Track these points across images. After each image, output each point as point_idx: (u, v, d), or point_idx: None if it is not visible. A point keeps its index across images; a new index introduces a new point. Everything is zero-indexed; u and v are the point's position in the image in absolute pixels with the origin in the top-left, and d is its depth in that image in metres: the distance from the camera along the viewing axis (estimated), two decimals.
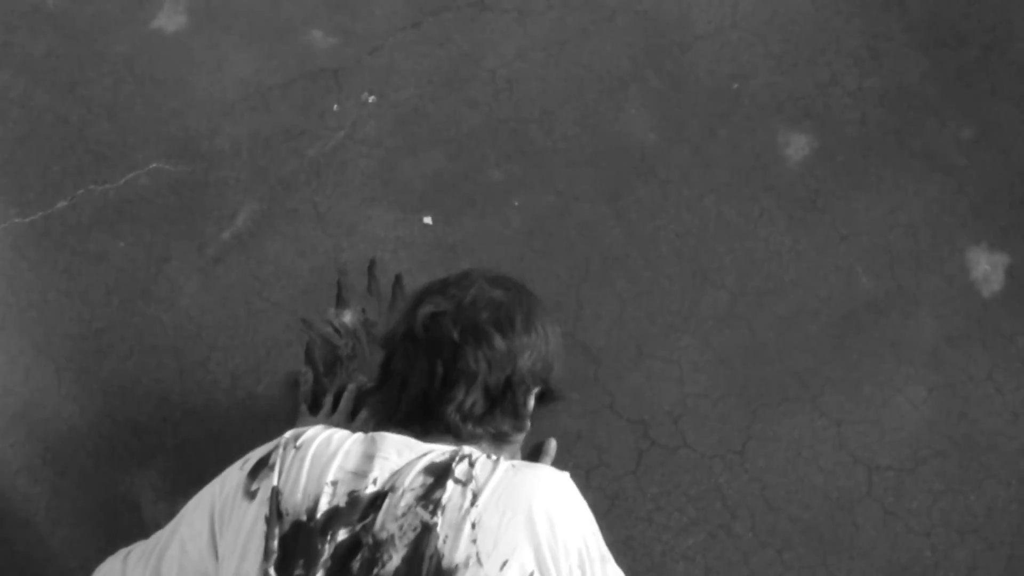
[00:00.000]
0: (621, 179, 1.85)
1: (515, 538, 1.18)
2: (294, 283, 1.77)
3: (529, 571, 1.16)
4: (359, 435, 1.28)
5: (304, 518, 1.20)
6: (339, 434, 1.27)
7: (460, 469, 1.21)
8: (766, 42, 1.95)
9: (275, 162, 1.85)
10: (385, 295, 1.76)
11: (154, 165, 1.85)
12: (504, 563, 1.16)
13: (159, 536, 1.34)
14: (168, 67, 1.92)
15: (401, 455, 1.24)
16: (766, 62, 1.93)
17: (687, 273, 1.79)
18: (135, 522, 1.62)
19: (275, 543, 1.19)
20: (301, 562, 1.18)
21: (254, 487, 1.24)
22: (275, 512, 1.21)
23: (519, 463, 1.25)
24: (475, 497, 1.19)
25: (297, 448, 1.25)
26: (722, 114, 1.90)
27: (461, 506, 1.18)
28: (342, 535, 1.19)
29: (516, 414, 1.33)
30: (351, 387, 1.63)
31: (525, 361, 1.31)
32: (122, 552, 1.39)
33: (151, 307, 1.76)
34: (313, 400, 1.65)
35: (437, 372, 1.29)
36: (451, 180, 1.85)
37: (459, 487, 1.19)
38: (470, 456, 1.23)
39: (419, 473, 1.21)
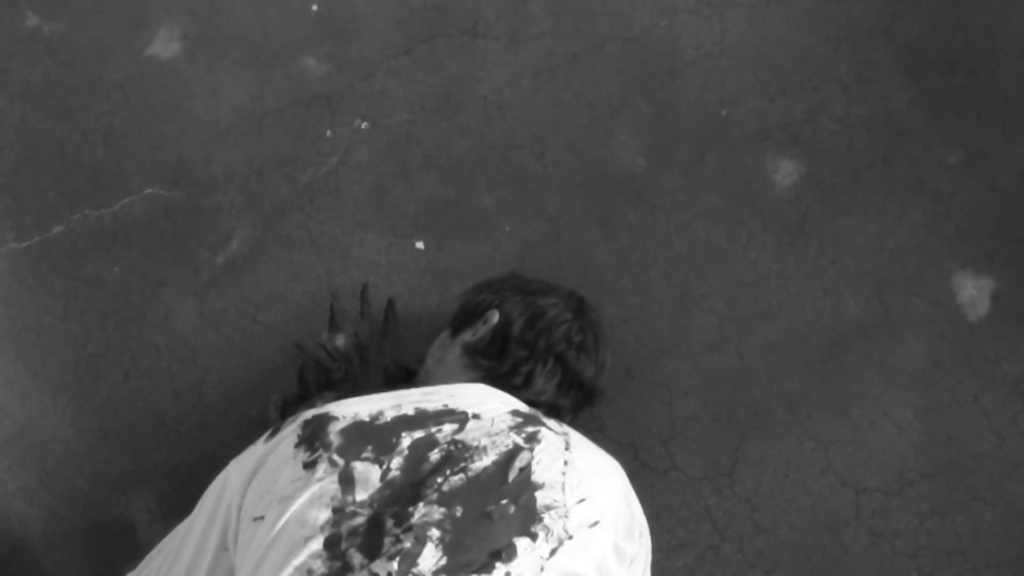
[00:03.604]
0: (611, 204, 1.91)
1: (596, 488, 1.31)
2: (287, 307, 1.83)
3: (596, 519, 1.28)
4: (415, 388, 1.41)
5: (367, 419, 1.28)
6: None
7: (551, 422, 1.36)
8: (754, 69, 2.01)
9: (269, 188, 1.90)
10: (377, 319, 1.82)
11: (149, 191, 1.89)
12: (581, 500, 1.28)
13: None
14: (163, 94, 1.97)
15: (482, 395, 1.38)
16: (754, 89, 1.99)
17: (676, 297, 1.85)
18: (130, 544, 1.67)
19: (332, 436, 1.26)
20: (369, 447, 1.24)
21: (282, 426, 1.33)
22: (327, 418, 1.29)
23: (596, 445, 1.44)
24: (568, 445, 1.32)
25: (337, 399, 1.37)
26: (711, 140, 1.96)
27: (556, 446, 1.31)
28: (419, 434, 1.27)
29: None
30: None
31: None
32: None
33: (146, 331, 1.81)
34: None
35: (555, 380, 1.54)
36: (443, 205, 1.91)
37: (553, 433, 1.33)
38: (556, 419, 1.40)
39: (506, 412, 1.34)
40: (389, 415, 1.30)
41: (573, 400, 1.58)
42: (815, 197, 1.92)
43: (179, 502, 1.68)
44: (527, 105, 1.98)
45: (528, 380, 1.51)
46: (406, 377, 1.65)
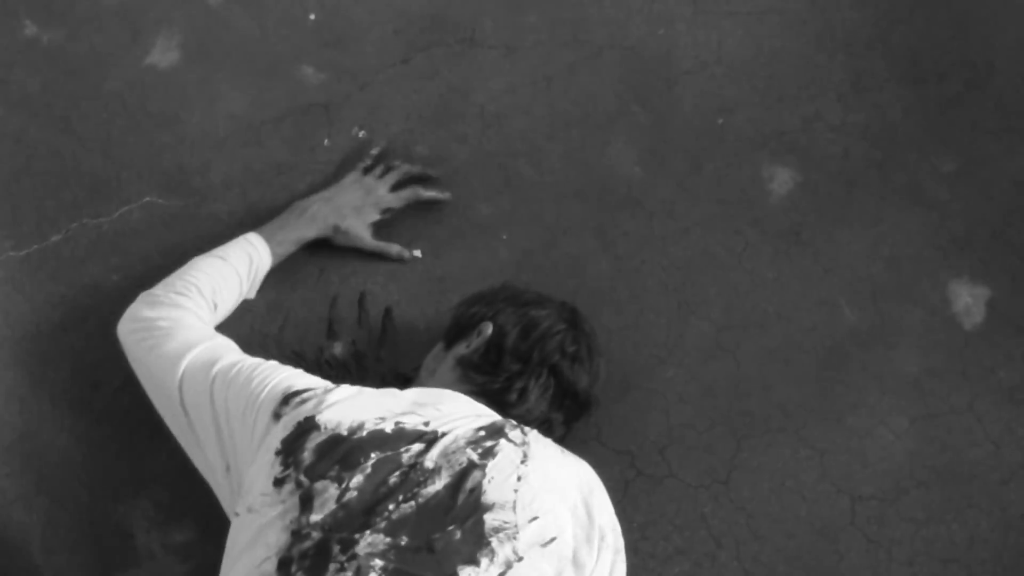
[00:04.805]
0: (608, 213, 1.94)
1: (550, 503, 1.33)
2: (285, 315, 1.84)
3: (551, 536, 1.30)
4: (411, 389, 1.47)
5: (345, 433, 1.33)
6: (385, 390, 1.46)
7: (514, 434, 1.38)
8: (751, 78, 2.04)
9: (267, 196, 1.92)
10: (375, 327, 1.85)
11: (147, 199, 1.91)
12: (533, 518, 1.30)
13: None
14: (161, 103, 1.99)
15: (459, 411, 1.41)
16: (751, 97, 2.02)
17: (672, 305, 1.88)
18: (129, 551, 1.69)
19: (306, 453, 1.31)
20: (336, 466, 1.30)
21: (282, 411, 1.38)
22: (312, 426, 1.34)
23: (566, 450, 1.46)
24: (525, 457, 1.35)
25: (338, 388, 1.42)
26: (707, 148, 1.98)
27: (512, 460, 1.33)
28: (388, 453, 1.32)
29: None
30: None
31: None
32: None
33: None
34: None
35: (549, 393, 1.56)
36: (440, 213, 1.92)
37: (512, 445, 1.36)
38: (522, 427, 1.41)
39: (474, 429, 1.37)
40: (368, 429, 1.34)
41: (567, 412, 1.60)
42: (811, 205, 1.94)
43: (177, 509, 1.71)
44: (524, 114, 2.01)
45: (522, 395, 1.54)
46: (403, 384, 1.68)
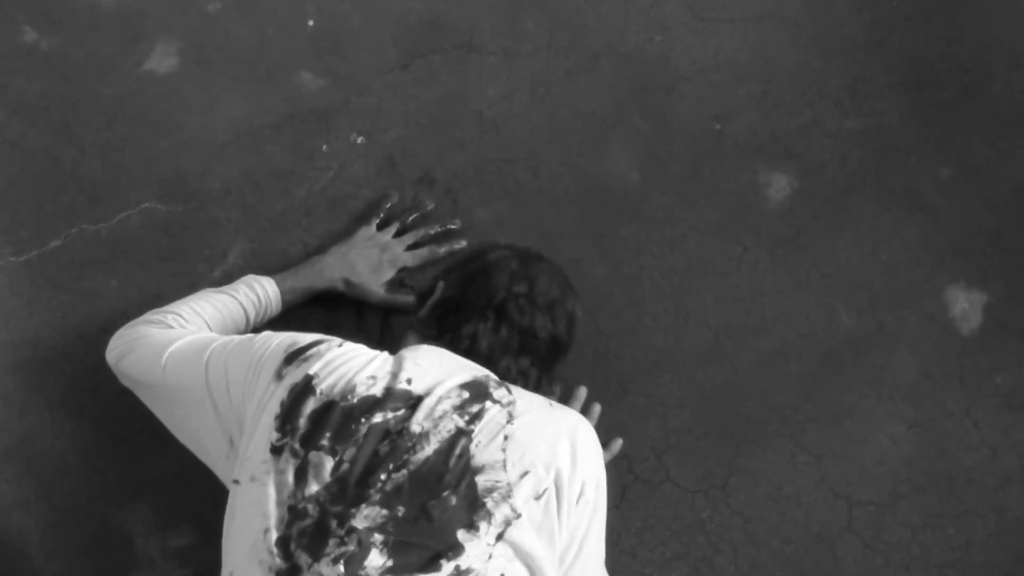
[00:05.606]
0: (605, 218, 1.95)
1: (539, 457, 1.34)
2: (284, 322, 1.85)
3: (544, 488, 1.33)
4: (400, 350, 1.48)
5: (338, 399, 1.35)
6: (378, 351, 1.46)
7: (499, 393, 1.39)
8: (748, 84, 2.06)
9: (265, 202, 1.94)
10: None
11: (146, 205, 1.92)
12: (524, 473, 1.32)
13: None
14: (160, 108, 2.00)
15: (440, 365, 1.42)
16: (748, 104, 2.04)
17: (670, 311, 1.89)
18: (127, 555, 1.70)
19: (302, 420, 1.34)
20: (328, 435, 1.33)
21: (285, 371, 1.40)
22: (308, 390, 1.36)
23: (555, 402, 1.45)
24: (511, 417, 1.36)
25: (340, 346, 1.43)
26: (705, 154, 2.00)
27: (498, 421, 1.35)
28: (377, 419, 1.34)
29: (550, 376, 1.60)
30: None
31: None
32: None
33: None
34: None
35: (502, 335, 1.52)
36: (439, 219, 1.93)
37: (497, 406, 1.37)
38: (507, 385, 1.42)
39: (456, 387, 1.38)
40: (359, 393, 1.36)
41: (535, 358, 1.56)
42: (808, 211, 1.96)
43: (176, 514, 1.73)
44: (522, 120, 2.03)
45: (474, 341, 1.52)
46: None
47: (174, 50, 2.06)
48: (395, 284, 1.86)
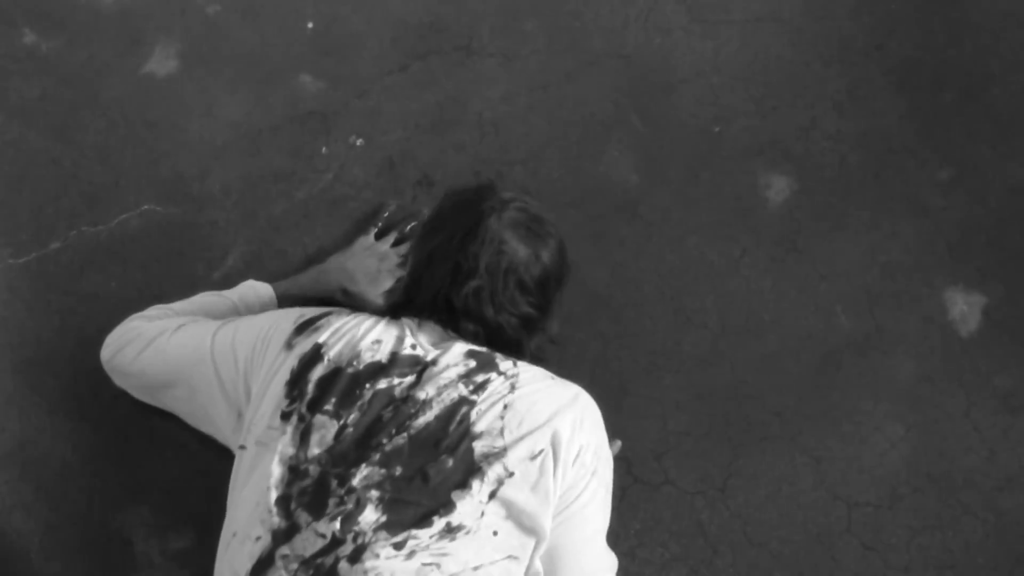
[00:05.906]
0: (605, 220, 1.96)
1: (536, 423, 1.37)
2: None
3: (540, 448, 1.35)
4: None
5: (344, 365, 1.39)
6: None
7: (504, 365, 1.41)
8: (747, 86, 2.06)
9: (264, 204, 1.94)
10: None
11: (146, 207, 1.93)
12: (521, 437, 1.35)
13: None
14: (159, 111, 2.01)
15: (445, 331, 1.45)
16: (747, 106, 2.04)
17: (669, 313, 1.90)
18: (127, 557, 1.70)
19: (310, 386, 1.39)
20: (333, 400, 1.37)
21: (295, 341, 1.44)
22: (316, 358, 1.40)
23: (558, 377, 1.47)
24: (513, 387, 1.39)
25: (349, 315, 1.47)
26: (704, 156, 2.01)
27: (499, 391, 1.38)
28: (382, 385, 1.38)
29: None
30: None
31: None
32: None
33: None
34: None
35: (462, 293, 1.46)
36: None
37: (501, 378, 1.39)
38: (513, 359, 1.44)
39: (463, 355, 1.41)
40: (365, 359, 1.40)
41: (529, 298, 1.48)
42: (807, 213, 1.97)
43: (175, 516, 1.73)
44: (521, 122, 2.03)
45: (433, 311, 1.46)
46: None
47: (174, 52, 2.06)
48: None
